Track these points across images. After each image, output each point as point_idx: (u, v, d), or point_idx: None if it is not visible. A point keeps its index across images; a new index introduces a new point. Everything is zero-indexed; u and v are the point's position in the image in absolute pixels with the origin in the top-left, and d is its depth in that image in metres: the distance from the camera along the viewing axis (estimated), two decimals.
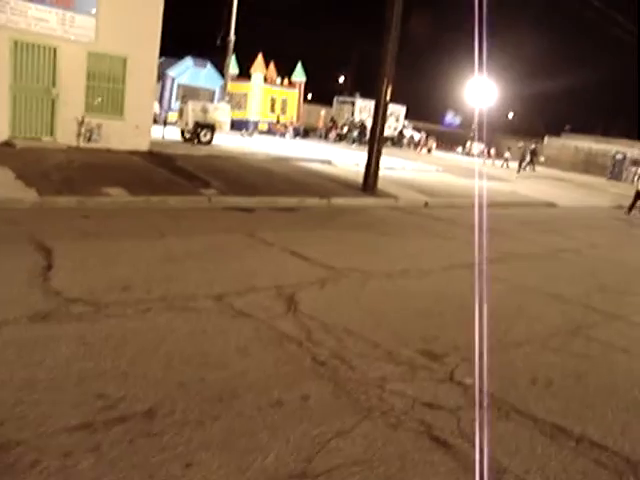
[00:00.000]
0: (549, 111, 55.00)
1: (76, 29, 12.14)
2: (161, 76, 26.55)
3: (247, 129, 21.59)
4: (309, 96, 54.76)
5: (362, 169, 15.70)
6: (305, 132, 32.34)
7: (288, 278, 5.88)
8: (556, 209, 15.79)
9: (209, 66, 27.38)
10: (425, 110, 45.32)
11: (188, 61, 26.84)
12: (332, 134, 32.49)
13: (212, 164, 13.52)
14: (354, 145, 30.91)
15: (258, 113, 29.59)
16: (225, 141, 18.70)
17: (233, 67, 30.34)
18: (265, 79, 29.87)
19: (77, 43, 12.25)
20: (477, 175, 21.51)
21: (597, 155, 36.34)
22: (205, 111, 16.93)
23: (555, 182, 25.83)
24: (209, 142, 17.08)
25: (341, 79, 63.50)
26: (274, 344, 4.21)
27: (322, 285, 5.78)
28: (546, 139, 38.39)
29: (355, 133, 31.91)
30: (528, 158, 30.02)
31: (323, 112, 35.14)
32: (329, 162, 17.62)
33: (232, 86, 30.31)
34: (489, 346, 4.63)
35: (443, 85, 47.10)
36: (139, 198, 9.15)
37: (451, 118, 47.65)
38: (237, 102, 30.25)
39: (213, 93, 27.74)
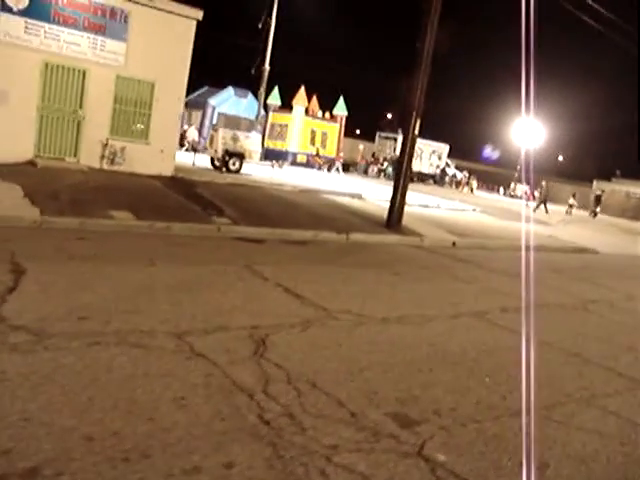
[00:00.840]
0: (600, 155, 53.21)
1: (106, 53, 12.26)
2: (203, 105, 27.06)
3: (277, 160, 21.51)
4: (357, 131, 55.07)
5: None
6: (345, 166, 32.17)
7: (269, 318, 5.35)
8: (596, 256, 14.73)
9: (250, 96, 27.68)
10: (469, 149, 44.57)
11: (229, 91, 27.21)
12: (371, 169, 32.15)
13: (233, 193, 13.26)
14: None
15: (298, 145, 29.60)
16: (255, 171, 18.55)
17: (275, 98, 30.69)
18: (307, 111, 29.96)
19: (106, 67, 12.36)
20: (516, 217, 20.56)
21: None
22: (235, 139, 16.85)
23: (601, 227, 24.50)
24: (238, 171, 16.93)
25: (389, 115, 63.73)
26: (221, 394, 3.66)
27: (304, 328, 5.21)
28: (594, 184, 36.84)
29: (390, 168, 31.49)
30: (593, 207, 29.48)
31: (362, 147, 34.93)
32: (359, 196, 17.15)
33: (274, 117, 30.62)
34: (478, 413, 3.95)
35: (489, 125, 46.34)
36: (144, 223, 8.88)
37: (489, 152, 46.58)
38: (278, 133, 30.44)
39: (253, 123, 27.88)
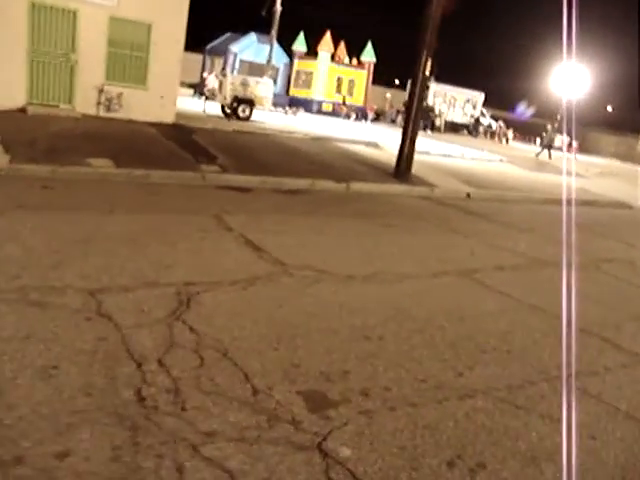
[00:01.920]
0: None
1: None
2: (224, 52, 26.13)
3: (291, 106, 20.51)
4: (396, 81, 52.85)
5: (418, 156, 14.58)
6: (377, 116, 30.91)
7: (212, 273, 4.75)
8: (629, 211, 13.50)
9: (274, 42, 26.47)
10: (506, 98, 42.22)
11: (252, 37, 26.09)
12: (400, 118, 30.74)
13: (235, 140, 12.58)
14: (428, 131, 29.07)
15: (323, 93, 28.45)
16: (268, 118, 17.71)
17: (301, 44, 29.46)
18: (333, 58, 28.64)
19: (98, 7, 11.64)
20: (548, 169, 19.21)
21: None
22: (245, 85, 16.00)
23: None
24: (248, 118, 16.15)
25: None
26: (104, 363, 3.10)
27: (247, 285, 4.59)
28: None
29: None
30: None
31: (389, 95, 33.40)
32: (375, 145, 16.19)
33: (299, 64, 29.51)
34: (419, 394, 3.29)
35: (527, 73, 43.54)
36: (122, 170, 8.34)
37: (523, 109, 43.80)
38: (303, 80, 29.33)
39: (277, 70, 26.89)
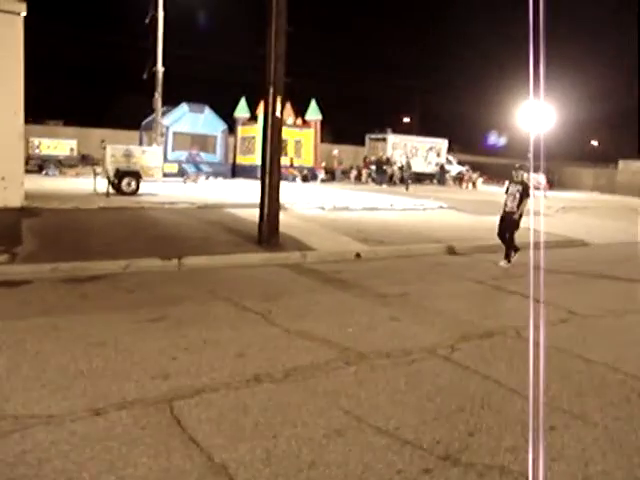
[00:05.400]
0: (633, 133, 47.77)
1: None
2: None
3: (189, 174, 18.75)
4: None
5: (330, 213, 12.88)
6: (332, 175, 29.42)
7: None
8: (582, 249, 11.43)
9: (207, 111, 25.27)
10: (474, 141, 40.71)
11: (184, 107, 24.84)
12: (353, 174, 29.22)
13: (79, 221, 10.75)
14: (384, 185, 27.29)
15: None
16: (164, 189, 15.65)
17: (243, 110, 28.37)
18: None
19: None
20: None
21: None
22: (129, 156, 14.24)
23: (617, 213, 20.37)
24: (134, 192, 14.26)
25: (407, 119, 59.82)
26: None
27: None
28: (620, 164, 32.23)
29: (373, 170, 28.38)
30: None
31: (336, 151, 31.82)
32: (281, 207, 14.14)
33: (242, 130, 28.30)
34: None
35: (493, 113, 42.10)
36: None
37: (495, 139, 42.17)
38: (247, 147, 28.00)
39: (215, 139, 25.50)
